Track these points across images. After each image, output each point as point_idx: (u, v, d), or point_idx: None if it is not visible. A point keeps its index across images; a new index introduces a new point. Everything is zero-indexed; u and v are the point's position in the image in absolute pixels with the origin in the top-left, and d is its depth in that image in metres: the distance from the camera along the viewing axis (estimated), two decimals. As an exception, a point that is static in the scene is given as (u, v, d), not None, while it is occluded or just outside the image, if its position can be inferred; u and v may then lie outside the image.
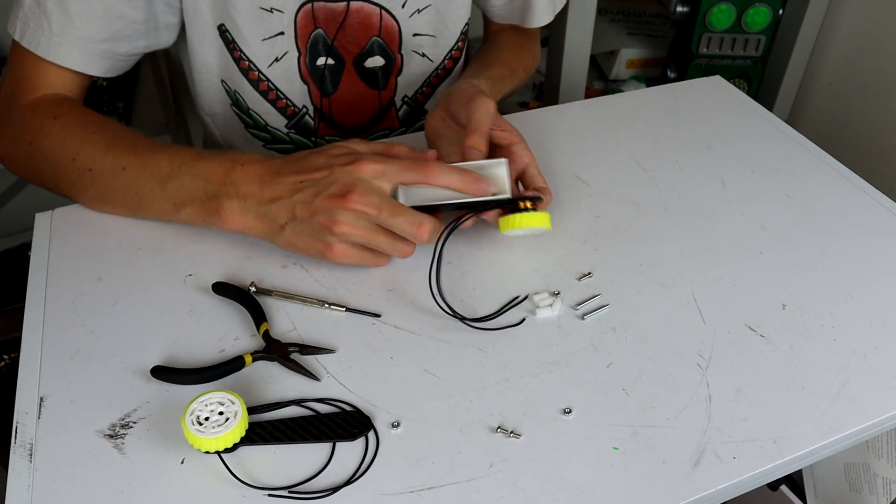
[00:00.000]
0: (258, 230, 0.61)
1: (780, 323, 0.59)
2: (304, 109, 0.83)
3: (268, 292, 0.60)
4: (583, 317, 0.58)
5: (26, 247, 0.63)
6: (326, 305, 0.59)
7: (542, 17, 0.87)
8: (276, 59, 0.78)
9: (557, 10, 0.88)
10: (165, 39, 0.74)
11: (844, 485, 0.77)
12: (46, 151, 0.66)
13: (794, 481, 0.86)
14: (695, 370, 0.55)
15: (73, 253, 0.63)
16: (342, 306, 0.59)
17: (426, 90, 0.88)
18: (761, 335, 0.58)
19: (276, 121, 0.84)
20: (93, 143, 0.65)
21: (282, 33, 0.76)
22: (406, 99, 0.87)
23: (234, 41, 0.76)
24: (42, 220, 0.67)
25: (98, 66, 0.69)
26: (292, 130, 0.85)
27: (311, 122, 0.85)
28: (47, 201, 0.70)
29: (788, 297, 0.61)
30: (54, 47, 0.67)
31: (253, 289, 0.60)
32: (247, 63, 0.77)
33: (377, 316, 0.58)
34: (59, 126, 0.66)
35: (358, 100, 0.84)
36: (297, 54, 0.78)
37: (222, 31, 0.75)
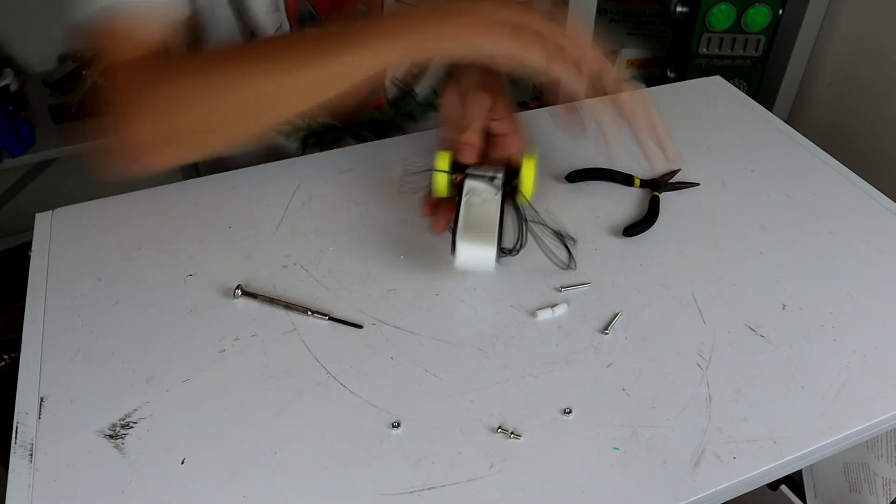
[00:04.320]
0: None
1: (780, 323, 0.59)
2: None
3: (254, 296, 0.59)
4: (583, 317, 0.58)
5: (26, 247, 0.63)
6: (310, 313, 0.58)
7: None
8: (275, 32, 0.79)
9: None
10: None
11: (844, 484, 0.77)
12: (190, 94, 0.62)
13: (794, 481, 0.86)
14: (695, 370, 0.55)
15: (73, 253, 0.63)
16: (325, 315, 0.58)
17: (415, 70, 0.88)
18: (761, 335, 0.58)
19: None
20: (224, 62, 0.62)
21: (277, 8, 0.77)
22: (395, 80, 0.87)
23: (246, 14, 0.76)
24: (42, 220, 0.67)
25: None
26: None
27: None
28: (47, 201, 0.69)
29: (788, 297, 0.61)
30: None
31: (239, 291, 0.59)
32: (251, 36, 0.78)
33: (359, 327, 0.57)
34: (178, 67, 0.64)
35: None
36: (288, 27, 0.79)
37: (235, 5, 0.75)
